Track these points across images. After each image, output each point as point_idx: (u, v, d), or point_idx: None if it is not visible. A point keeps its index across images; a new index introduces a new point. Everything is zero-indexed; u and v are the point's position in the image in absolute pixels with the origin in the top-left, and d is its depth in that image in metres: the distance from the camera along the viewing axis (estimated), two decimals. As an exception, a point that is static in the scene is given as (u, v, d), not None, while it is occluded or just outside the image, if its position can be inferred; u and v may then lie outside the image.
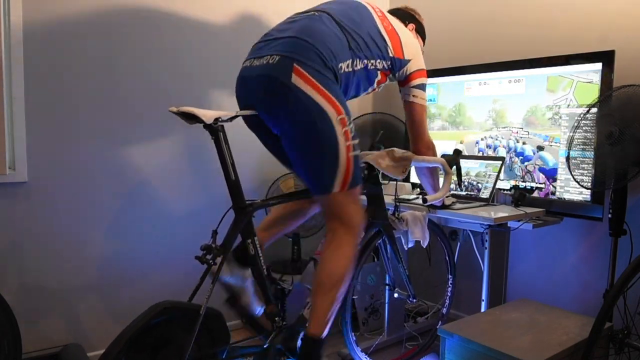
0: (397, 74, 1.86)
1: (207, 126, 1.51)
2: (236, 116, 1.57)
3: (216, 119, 1.51)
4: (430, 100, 2.68)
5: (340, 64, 1.61)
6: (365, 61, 1.71)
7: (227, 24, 2.50)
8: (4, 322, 1.81)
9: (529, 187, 2.24)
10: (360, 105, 3.08)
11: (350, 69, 1.66)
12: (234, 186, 1.57)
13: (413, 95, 1.89)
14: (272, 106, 1.57)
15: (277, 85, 1.53)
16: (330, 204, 1.62)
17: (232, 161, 1.57)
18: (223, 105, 2.51)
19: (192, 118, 1.48)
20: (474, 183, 2.37)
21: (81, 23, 2.11)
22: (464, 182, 2.39)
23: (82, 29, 2.11)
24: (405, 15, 2.06)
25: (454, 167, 1.99)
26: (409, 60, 1.85)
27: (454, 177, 2.04)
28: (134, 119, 2.27)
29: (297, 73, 1.51)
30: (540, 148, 2.21)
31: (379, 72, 1.78)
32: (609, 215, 1.95)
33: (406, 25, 2.03)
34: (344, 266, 1.60)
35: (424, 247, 2.17)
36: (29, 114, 2.02)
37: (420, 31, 2.10)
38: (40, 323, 2.10)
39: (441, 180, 2.06)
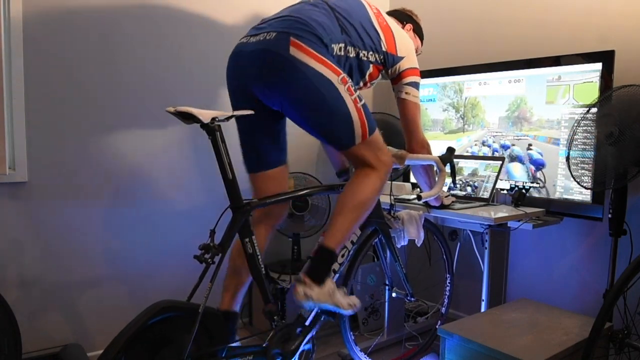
0: (389, 71, 1.87)
1: (204, 126, 1.51)
2: (233, 116, 1.57)
3: (213, 119, 1.51)
4: (430, 100, 2.68)
5: (333, 45, 1.65)
6: (358, 50, 1.73)
7: (229, 22, 2.50)
8: (4, 322, 1.81)
9: (528, 187, 2.24)
10: (361, 105, 3.08)
11: (343, 53, 1.69)
12: (231, 185, 1.58)
13: (406, 93, 1.89)
14: (271, 81, 1.60)
15: (275, 58, 1.57)
16: (358, 155, 1.67)
17: (229, 160, 1.57)
18: (224, 104, 2.51)
19: (189, 118, 1.48)
20: (473, 183, 2.37)
21: (81, 22, 2.11)
22: (458, 181, 2.40)
23: (83, 28, 2.12)
24: (403, 16, 2.10)
25: (448, 165, 1.99)
26: (402, 58, 1.86)
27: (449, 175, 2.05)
28: (134, 118, 2.27)
29: (294, 45, 1.55)
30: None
31: (371, 65, 1.79)
32: (609, 215, 1.94)
33: (404, 26, 2.07)
34: (369, 191, 1.66)
35: (419, 246, 2.17)
36: (29, 114, 2.02)
37: (418, 31, 2.13)
38: (40, 323, 2.11)
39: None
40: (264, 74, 1.60)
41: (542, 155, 2.21)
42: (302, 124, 1.67)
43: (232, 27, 2.51)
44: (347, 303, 1.63)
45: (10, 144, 1.99)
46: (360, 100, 1.65)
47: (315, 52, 1.57)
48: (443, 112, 2.61)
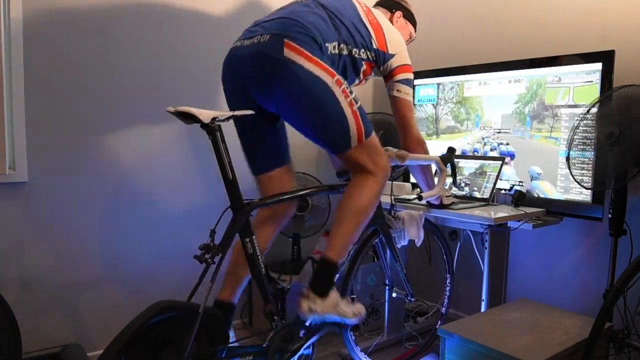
0: (381, 68, 1.87)
1: (204, 126, 1.51)
2: (233, 116, 1.57)
3: (213, 119, 1.51)
4: (430, 100, 2.68)
5: (327, 44, 1.65)
6: (350, 47, 1.73)
7: (230, 20, 2.50)
8: (4, 322, 1.81)
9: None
10: (361, 105, 3.08)
11: (337, 51, 1.69)
12: (231, 185, 1.58)
13: (397, 90, 1.89)
14: (266, 83, 1.60)
15: (269, 61, 1.57)
16: (355, 160, 1.66)
17: (230, 160, 1.57)
18: (224, 104, 2.51)
19: (189, 118, 1.48)
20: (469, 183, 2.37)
21: (81, 22, 2.11)
22: (458, 181, 2.40)
23: (82, 28, 2.12)
24: (391, 4, 2.07)
25: (449, 165, 1.99)
26: (393, 55, 1.86)
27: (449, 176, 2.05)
28: (135, 118, 2.27)
29: (288, 46, 1.55)
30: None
31: (363, 62, 1.79)
32: (609, 215, 1.95)
33: (393, 14, 2.05)
34: (367, 198, 1.65)
35: (418, 246, 2.17)
36: (29, 114, 2.02)
37: (409, 17, 2.11)
38: (40, 323, 2.11)
39: (436, 179, 2.07)
40: (260, 76, 1.60)
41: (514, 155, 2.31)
42: (297, 126, 1.66)
43: (232, 25, 2.51)
44: (352, 312, 1.64)
45: (10, 144, 1.99)
46: (356, 102, 1.65)
47: (309, 54, 1.57)
48: (438, 112, 2.62)
